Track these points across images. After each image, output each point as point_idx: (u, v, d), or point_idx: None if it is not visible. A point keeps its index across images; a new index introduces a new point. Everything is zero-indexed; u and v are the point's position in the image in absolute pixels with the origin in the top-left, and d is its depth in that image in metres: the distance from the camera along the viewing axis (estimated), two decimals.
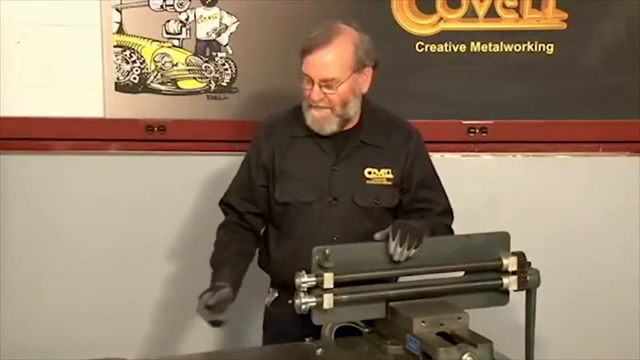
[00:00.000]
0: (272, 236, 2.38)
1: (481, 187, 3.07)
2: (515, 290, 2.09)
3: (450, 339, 1.87)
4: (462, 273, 2.12)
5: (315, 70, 2.18)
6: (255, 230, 2.40)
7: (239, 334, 3.01)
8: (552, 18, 2.99)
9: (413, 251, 2.02)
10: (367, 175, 2.28)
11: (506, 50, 3.00)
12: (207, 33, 2.99)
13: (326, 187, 2.27)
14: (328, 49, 2.17)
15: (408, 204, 2.33)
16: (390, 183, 2.30)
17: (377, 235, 2.06)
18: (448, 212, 2.38)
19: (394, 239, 2.00)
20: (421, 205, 2.33)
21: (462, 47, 3.00)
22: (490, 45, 3.00)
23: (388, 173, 2.29)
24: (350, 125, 2.29)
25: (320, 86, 2.18)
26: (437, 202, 2.36)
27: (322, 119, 2.23)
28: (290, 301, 2.30)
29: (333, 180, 2.27)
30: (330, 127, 2.24)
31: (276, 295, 2.38)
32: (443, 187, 2.41)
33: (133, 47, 2.99)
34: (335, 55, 2.18)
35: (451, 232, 2.35)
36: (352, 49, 2.20)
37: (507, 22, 2.99)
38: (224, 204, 2.44)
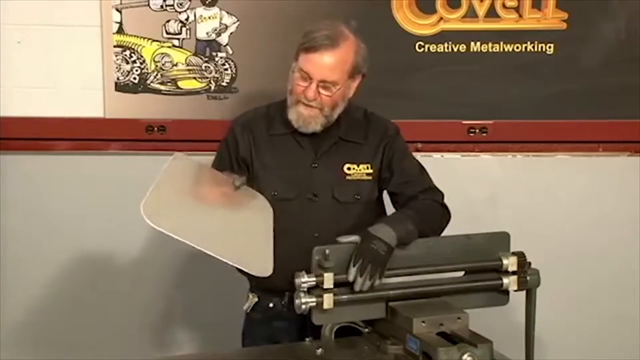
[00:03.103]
0: None
1: (481, 187, 3.08)
2: (515, 290, 2.08)
3: (450, 339, 1.87)
4: (462, 273, 2.12)
5: (319, 69, 2.16)
6: None
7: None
8: (552, 18, 2.99)
9: (377, 281, 1.97)
10: (347, 171, 2.28)
11: (506, 50, 3.00)
12: (207, 33, 2.99)
13: (306, 184, 2.26)
14: (335, 52, 2.15)
15: (393, 188, 2.33)
16: (369, 178, 2.30)
17: (342, 239, 2.01)
18: (433, 189, 2.33)
19: (354, 266, 1.95)
20: (403, 189, 2.31)
21: (462, 47, 3.00)
22: (490, 45, 3.00)
23: (367, 168, 2.30)
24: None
25: (317, 85, 2.17)
26: (419, 183, 2.32)
27: (309, 117, 2.21)
28: (271, 304, 2.29)
29: (313, 177, 2.26)
30: (315, 126, 2.23)
31: (256, 300, 2.33)
32: (429, 175, 2.37)
33: (133, 47, 2.99)
34: (340, 59, 2.17)
35: (443, 207, 2.30)
36: (353, 56, 2.20)
37: (507, 22, 2.99)
38: None
